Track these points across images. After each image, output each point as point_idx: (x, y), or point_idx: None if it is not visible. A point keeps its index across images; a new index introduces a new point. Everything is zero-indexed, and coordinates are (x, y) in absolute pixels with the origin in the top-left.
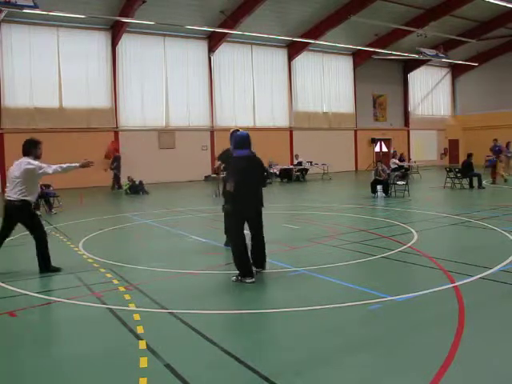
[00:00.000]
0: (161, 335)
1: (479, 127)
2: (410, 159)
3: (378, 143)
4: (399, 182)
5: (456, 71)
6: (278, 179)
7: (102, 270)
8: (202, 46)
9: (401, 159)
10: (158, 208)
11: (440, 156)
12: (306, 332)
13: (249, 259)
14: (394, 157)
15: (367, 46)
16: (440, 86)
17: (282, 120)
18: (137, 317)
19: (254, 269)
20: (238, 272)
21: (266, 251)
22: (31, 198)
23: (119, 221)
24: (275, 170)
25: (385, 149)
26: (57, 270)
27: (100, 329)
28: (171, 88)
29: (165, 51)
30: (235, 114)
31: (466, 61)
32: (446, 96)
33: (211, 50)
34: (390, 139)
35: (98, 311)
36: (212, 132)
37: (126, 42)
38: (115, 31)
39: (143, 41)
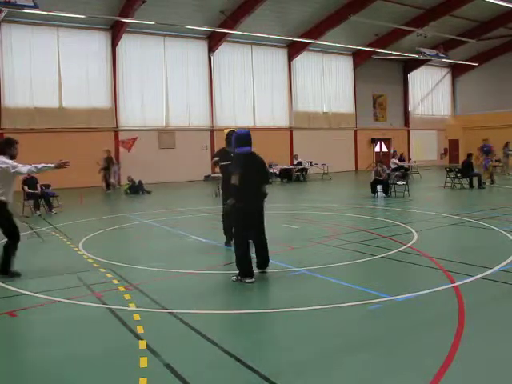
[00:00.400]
0: (161, 335)
1: (479, 127)
2: (409, 159)
3: (378, 143)
4: (399, 182)
5: (456, 71)
6: (278, 179)
7: (102, 270)
8: (201, 46)
9: (401, 159)
10: (158, 208)
11: (440, 156)
12: (306, 332)
13: (250, 259)
14: (393, 157)
15: (367, 46)
16: (440, 86)
17: (282, 120)
18: (137, 317)
19: (256, 270)
20: (238, 272)
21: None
22: (6, 199)
23: (119, 221)
24: (275, 170)
25: (385, 149)
26: (16, 274)
27: (100, 329)
28: (171, 88)
29: (165, 51)
30: (235, 114)
31: (466, 61)
32: (446, 96)
33: (211, 49)
34: (390, 139)
35: (98, 311)
36: (212, 132)
37: (126, 42)
38: (115, 31)
39: (143, 41)
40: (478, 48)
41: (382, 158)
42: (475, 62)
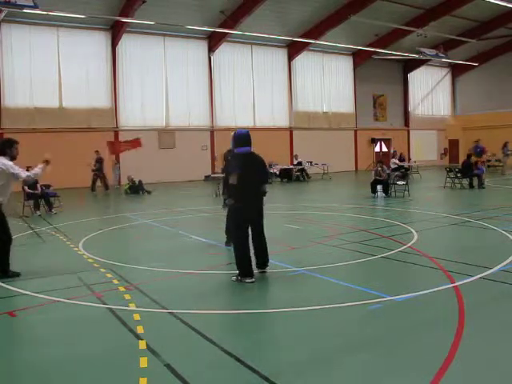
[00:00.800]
0: (161, 335)
1: (479, 127)
2: (409, 159)
3: (378, 143)
4: (399, 182)
5: (456, 71)
6: (278, 179)
7: (102, 270)
8: (202, 46)
9: (401, 159)
10: (158, 208)
11: (440, 156)
12: (306, 332)
13: (250, 260)
14: (393, 157)
15: (367, 46)
16: (440, 86)
17: (282, 120)
18: (137, 317)
19: (256, 270)
20: (237, 272)
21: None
22: (2, 200)
23: (119, 221)
24: (275, 170)
25: (385, 149)
26: (16, 274)
27: (100, 329)
28: (171, 88)
29: (165, 51)
30: (235, 114)
31: (466, 61)
32: (446, 96)
33: (211, 49)
34: (390, 139)
35: (98, 311)
36: (212, 132)
37: (126, 42)
38: (115, 31)
39: (143, 41)
40: (478, 48)
41: (382, 158)
42: (475, 62)
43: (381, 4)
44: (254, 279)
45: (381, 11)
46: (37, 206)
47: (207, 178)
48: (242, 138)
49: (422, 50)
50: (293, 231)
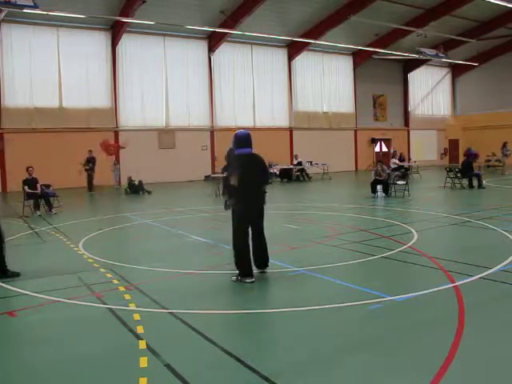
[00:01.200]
0: (161, 335)
1: (479, 127)
2: (409, 159)
3: (378, 143)
4: (399, 182)
5: (456, 71)
6: (278, 179)
7: (102, 270)
8: (202, 46)
9: (401, 159)
10: (158, 208)
11: (440, 156)
12: (306, 332)
13: (250, 260)
14: (393, 157)
15: (367, 46)
16: (440, 86)
17: (282, 120)
18: (137, 317)
19: (256, 270)
20: (237, 272)
21: (268, 250)
22: None
23: (119, 221)
24: (275, 170)
25: (385, 149)
26: (16, 274)
27: (100, 329)
28: (171, 88)
29: (165, 51)
30: (235, 114)
31: (466, 61)
32: (446, 96)
33: (211, 49)
34: (389, 139)
35: (98, 311)
36: (212, 132)
37: (126, 42)
38: (115, 31)
39: (143, 41)
40: (478, 48)
41: (382, 158)
42: (475, 62)
43: (381, 4)
44: (253, 279)
45: (381, 11)
46: (37, 206)
47: (207, 177)
48: (243, 139)
49: (422, 49)
50: (293, 231)
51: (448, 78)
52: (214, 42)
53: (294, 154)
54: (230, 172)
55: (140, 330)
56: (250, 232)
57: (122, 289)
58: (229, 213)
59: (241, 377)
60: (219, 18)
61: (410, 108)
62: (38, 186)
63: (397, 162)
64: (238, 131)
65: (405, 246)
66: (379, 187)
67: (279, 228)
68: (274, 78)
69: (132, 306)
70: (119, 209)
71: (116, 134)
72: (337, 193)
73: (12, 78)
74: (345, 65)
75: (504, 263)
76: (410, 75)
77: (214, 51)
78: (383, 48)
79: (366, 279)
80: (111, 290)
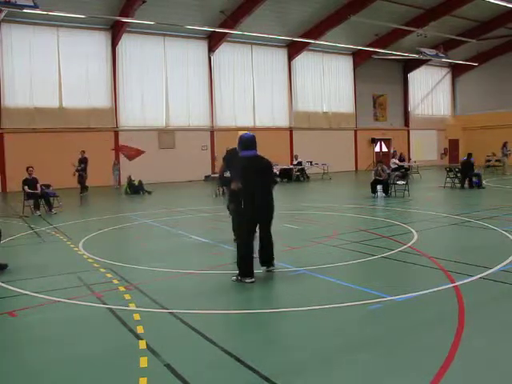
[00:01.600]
0: (161, 335)
1: (479, 127)
2: (409, 159)
3: (378, 143)
4: (399, 182)
5: (456, 71)
6: (278, 179)
7: (102, 270)
8: (201, 46)
9: (401, 159)
10: (158, 208)
11: (440, 156)
12: (306, 332)
13: (252, 260)
14: (393, 157)
15: (367, 46)
16: (440, 86)
17: (281, 120)
18: (137, 317)
19: (261, 270)
20: (238, 272)
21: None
22: None
23: (119, 221)
24: (275, 170)
25: (385, 149)
26: (4, 266)
27: (100, 329)
28: (171, 88)
29: (165, 51)
30: (235, 114)
31: (466, 61)
32: (446, 96)
33: (211, 49)
34: (389, 139)
35: (98, 311)
36: (212, 132)
37: (126, 42)
38: (115, 31)
39: (143, 41)
40: (478, 48)
41: (382, 158)
42: (475, 62)
43: (381, 4)
44: (253, 279)
45: (381, 11)
46: (37, 206)
47: (207, 178)
48: (248, 141)
49: (422, 50)
50: (293, 231)
51: (448, 78)
52: (214, 41)
53: (294, 154)
54: (233, 176)
55: (140, 330)
56: (258, 232)
57: (122, 289)
58: (227, 214)
59: (241, 377)
60: (219, 18)
61: (410, 108)
62: (38, 185)
63: (397, 162)
64: (243, 133)
65: (405, 246)
66: (379, 187)
67: (279, 228)
68: (273, 77)
69: (132, 306)
70: (119, 209)
71: (116, 133)
72: (337, 193)
73: (12, 78)
74: (345, 65)
75: (504, 263)
76: (410, 75)
77: (213, 51)
78: (383, 48)
79: (365, 279)
80: (111, 290)
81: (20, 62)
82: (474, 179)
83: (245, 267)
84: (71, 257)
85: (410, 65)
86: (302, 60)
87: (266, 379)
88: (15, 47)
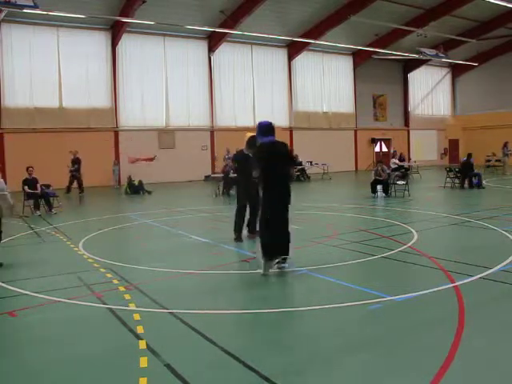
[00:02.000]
0: (161, 335)
1: (479, 127)
2: (410, 159)
3: (378, 143)
4: (399, 182)
5: (456, 71)
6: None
7: (102, 270)
8: (201, 46)
9: (401, 159)
10: (158, 208)
11: (440, 156)
12: (306, 332)
13: (274, 247)
14: (393, 157)
15: (367, 46)
16: (440, 86)
17: (282, 120)
18: (137, 317)
19: (275, 270)
20: (263, 263)
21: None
22: None
23: (119, 221)
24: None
25: (385, 149)
26: None
27: (100, 329)
28: (171, 88)
29: (165, 51)
30: (235, 114)
31: (466, 61)
32: (446, 96)
33: (211, 49)
34: (390, 139)
35: (98, 311)
36: (212, 132)
37: (126, 42)
38: (115, 31)
39: (143, 41)
40: (478, 48)
41: (382, 158)
42: (475, 62)
43: (381, 4)
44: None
45: (381, 11)
46: (37, 206)
47: (207, 178)
48: (266, 127)
49: (422, 50)
50: (292, 231)
51: (448, 78)
52: (214, 41)
53: (295, 154)
54: (255, 161)
55: (140, 330)
56: (275, 221)
57: (122, 289)
58: (228, 213)
59: (241, 377)
60: (219, 18)
61: (410, 108)
62: (38, 186)
63: (397, 162)
64: (261, 121)
65: (405, 246)
66: (379, 187)
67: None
68: (274, 77)
69: (132, 306)
70: (119, 209)
71: (116, 133)
72: (337, 193)
73: (12, 78)
74: (345, 65)
75: (504, 263)
76: (410, 75)
77: (214, 51)
78: (383, 48)
79: (366, 279)
80: (111, 290)
81: (20, 62)
82: (474, 179)
83: (270, 255)
84: (71, 257)
85: (410, 65)
86: (302, 60)
87: (266, 379)
88: (15, 47)
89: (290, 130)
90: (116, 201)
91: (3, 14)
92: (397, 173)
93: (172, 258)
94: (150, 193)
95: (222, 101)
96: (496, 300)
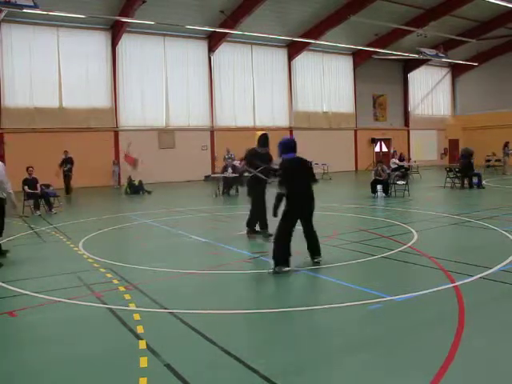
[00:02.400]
0: (161, 335)
1: (479, 127)
2: (409, 159)
3: (378, 143)
4: (399, 182)
5: (456, 71)
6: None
7: (102, 270)
8: (201, 46)
9: (401, 159)
10: (158, 208)
11: (440, 156)
12: (306, 332)
13: (287, 250)
14: (393, 157)
15: (367, 46)
16: (440, 86)
17: (282, 120)
18: (137, 317)
19: (313, 258)
20: (274, 263)
21: (269, 250)
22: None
23: (119, 221)
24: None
25: (385, 149)
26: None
27: (100, 329)
28: (171, 88)
29: (165, 51)
30: (235, 114)
31: (466, 61)
32: (446, 96)
33: (211, 49)
34: (390, 139)
35: (98, 311)
36: (212, 132)
37: (126, 42)
38: (115, 31)
39: (143, 41)
40: (478, 48)
41: (382, 158)
42: (475, 62)
43: (381, 4)
44: (290, 267)
45: (381, 11)
46: (37, 206)
47: (207, 178)
48: (288, 145)
49: (422, 49)
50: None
51: (448, 78)
52: (214, 41)
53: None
54: (279, 177)
55: (140, 329)
56: (303, 228)
57: (122, 289)
58: (227, 214)
59: (241, 377)
60: (219, 18)
61: (410, 108)
62: (38, 185)
63: (397, 161)
64: (284, 138)
65: (405, 246)
66: (379, 187)
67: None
68: (274, 78)
69: (132, 306)
70: (119, 209)
71: (116, 133)
72: (337, 193)
73: (12, 78)
74: (345, 65)
75: (504, 263)
76: (410, 75)
77: (214, 51)
78: (383, 48)
79: (366, 279)
80: (111, 290)
81: (20, 62)
82: (474, 179)
83: (282, 257)
84: (71, 257)
85: (410, 65)
86: (302, 60)
87: (266, 379)
88: (15, 47)
89: (290, 130)
90: (116, 201)
91: (3, 13)
92: (397, 173)
93: (172, 258)
94: (149, 193)
95: (222, 101)
96: (496, 300)
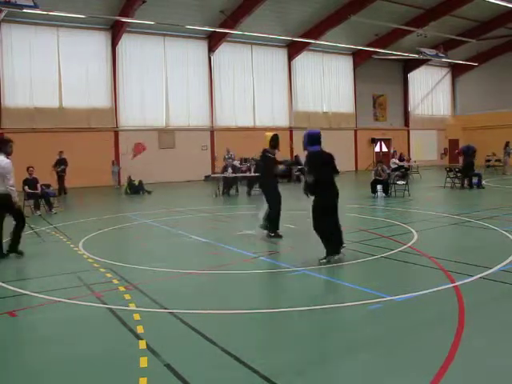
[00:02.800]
0: (161, 335)
1: (479, 127)
2: (409, 159)
3: (378, 143)
4: (399, 182)
5: (456, 71)
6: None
7: (102, 270)
8: (201, 46)
9: (401, 159)
10: (158, 208)
11: (440, 156)
12: (306, 332)
13: (336, 239)
14: (393, 157)
15: (367, 46)
16: (440, 86)
17: (282, 120)
18: (137, 317)
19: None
20: (326, 251)
21: (268, 250)
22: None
23: (119, 221)
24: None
25: (385, 149)
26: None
27: (100, 329)
28: (171, 88)
29: (165, 51)
30: (235, 114)
31: (466, 61)
32: (446, 96)
33: (211, 49)
34: (390, 139)
35: (98, 311)
36: (212, 132)
37: (126, 42)
38: (115, 31)
39: (143, 41)
40: (478, 48)
41: (382, 158)
42: (475, 62)
43: (381, 4)
44: (341, 254)
45: (381, 11)
46: (37, 206)
47: (207, 178)
48: (314, 137)
49: (422, 49)
50: (292, 231)
51: (448, 78)
52: (214, 41)
53: (295, 154)
54: (307, 168)
55: (140, 329)
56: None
57: (122, 289)
58: (227, 213)
59: (241, 377)
60: (219, 18)
61: (410, 108)
62: (38, 185)
63: (397, 161)
64: (310, 130)
65: (405, 246)
66: (379, 187)
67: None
68: (274, 77)
69: (132, 306)
70: (119, 209)
71: (116, 133)
72: None
73: (12, 78)
74: (345, 65)
75: (504, 263)
76: (410, 75)
77: (214, 51)
78: (383, 48)
79: (366, 279)
80: (111, 290)
81: (20, 62)
82: (474, 179)
83: (332, 246)
84: (71, 257)
85: (410, 65)
86: (302, 60)
87: (266, 379)
88: (15, 47)
89: (290, 129)
90: (116, 201)
91: (3, 14)
92: (397, 173)
93: (172, 258)
94: (149, 193)
95: (222, 101)
96: (496, 300)
